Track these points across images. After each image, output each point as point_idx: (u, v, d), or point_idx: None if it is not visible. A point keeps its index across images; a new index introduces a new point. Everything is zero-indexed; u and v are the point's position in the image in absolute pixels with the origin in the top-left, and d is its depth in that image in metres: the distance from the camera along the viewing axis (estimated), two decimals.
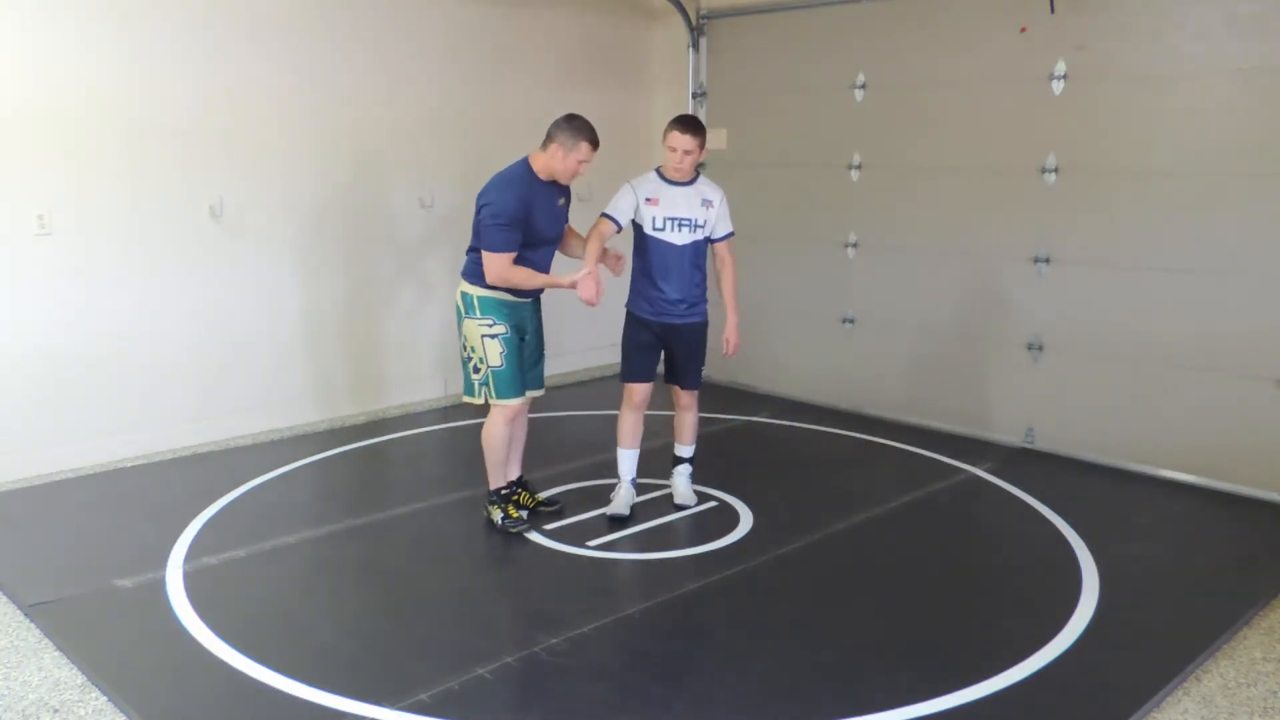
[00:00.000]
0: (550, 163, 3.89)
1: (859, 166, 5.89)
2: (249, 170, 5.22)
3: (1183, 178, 4.72)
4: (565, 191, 4.07)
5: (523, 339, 4.08)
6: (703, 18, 6.53)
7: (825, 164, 6.02)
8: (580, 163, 3.87)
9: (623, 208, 4.09)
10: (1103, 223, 4.98)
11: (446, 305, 6.18)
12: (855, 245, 5.98)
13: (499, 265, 3.83)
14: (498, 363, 3.96)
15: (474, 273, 3.96)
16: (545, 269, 4.02)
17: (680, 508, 4.36)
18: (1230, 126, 4.57)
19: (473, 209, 3.92)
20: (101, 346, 4.88)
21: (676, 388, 4.36)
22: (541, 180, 3.93)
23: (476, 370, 4.00)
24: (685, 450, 4.44)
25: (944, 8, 5.43)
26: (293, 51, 5.30)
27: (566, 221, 4.13)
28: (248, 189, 5.23)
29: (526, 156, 3.95)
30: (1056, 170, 5.09)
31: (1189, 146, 4.69)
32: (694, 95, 6.65)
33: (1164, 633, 3.36)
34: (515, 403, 4.02)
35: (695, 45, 6.59)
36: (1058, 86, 5.03)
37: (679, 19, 6.54)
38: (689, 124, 4.04)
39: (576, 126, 3.86)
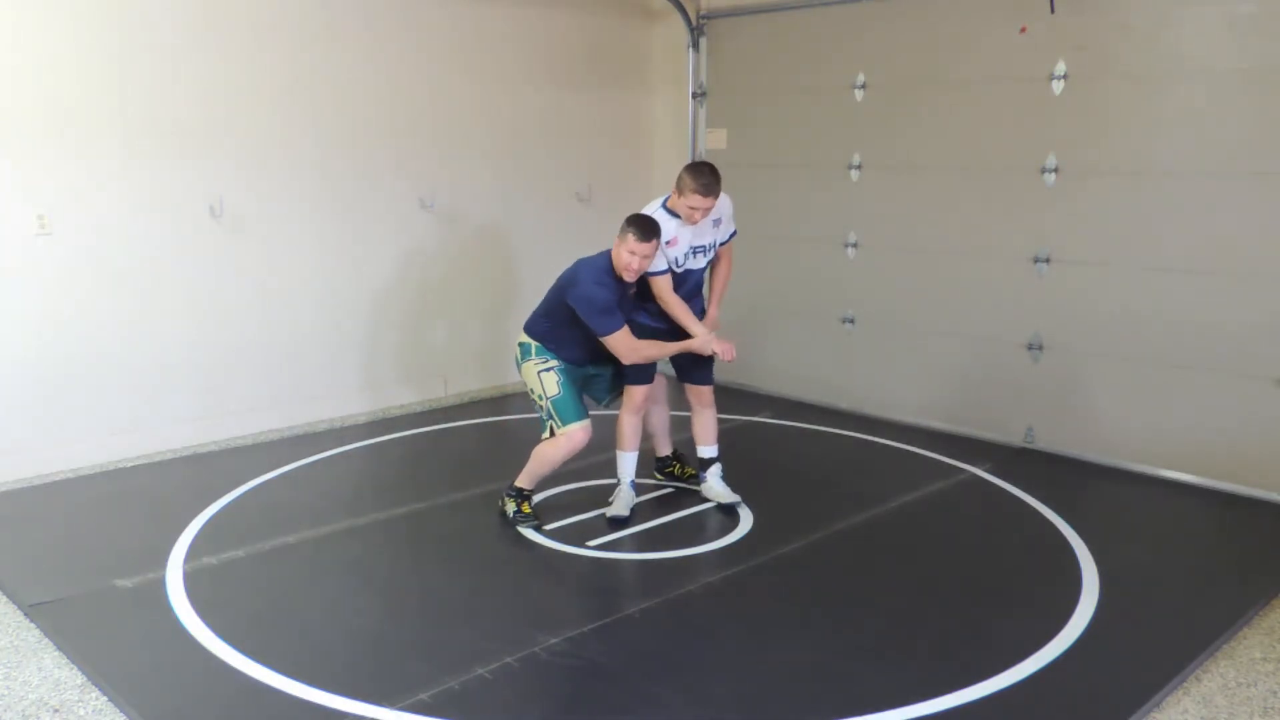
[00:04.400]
0: (615, 255, 3.98)
1: (859, 166, 5.89)
2: (249, 170, 5.22)
3: (1183, 178, 4.72)
4: (634, 283, 4.10)
5: (589, 371, 4.23)
6: (703, 18, 6.53)
7: (825, 164, 6.02)
8: (630, 253, 3.88)
9: (660, 257, 4.05)
10: (1103, 223, 4.98)
11: (446, 305, 6.19)
12: (855, 245, 5.98)
13: (623, 343, 3.96)
14: (555, 391, 4.04)
15: (534, 327, 4.14)
16: (605, 349, 4.10)
17: (728, 507, 4.35)
18: (1230, 126, 4.57)
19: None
20: (102, 346, 4.88)
21: (691, 386, 4.36)
22: (617, 274, 4.01)
23: (541, 407, 4.10)
24: (711, 450, 4.44)
25: (944, 8, 5.42)
26: (293, 51, 5.30)
27: (633, 308, 4.20)
28: (248, 188, 5.23)
29: (610, 250, 4.03)
30: (1056, 170, 5.09)
31: (1189, 146, 4.69)
32: (694, 95, 6.64)
33: (1164, 633, 3.36)
34: (577, 430, 4.03)
35: (695, 45, 6.58)
36: (1058, 86, 5.03)
37: (679, 19, 6.54)
38: (711, 187, 3.92)
39: (629, 218, 3.93)
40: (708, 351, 4.11)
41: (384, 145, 5.73)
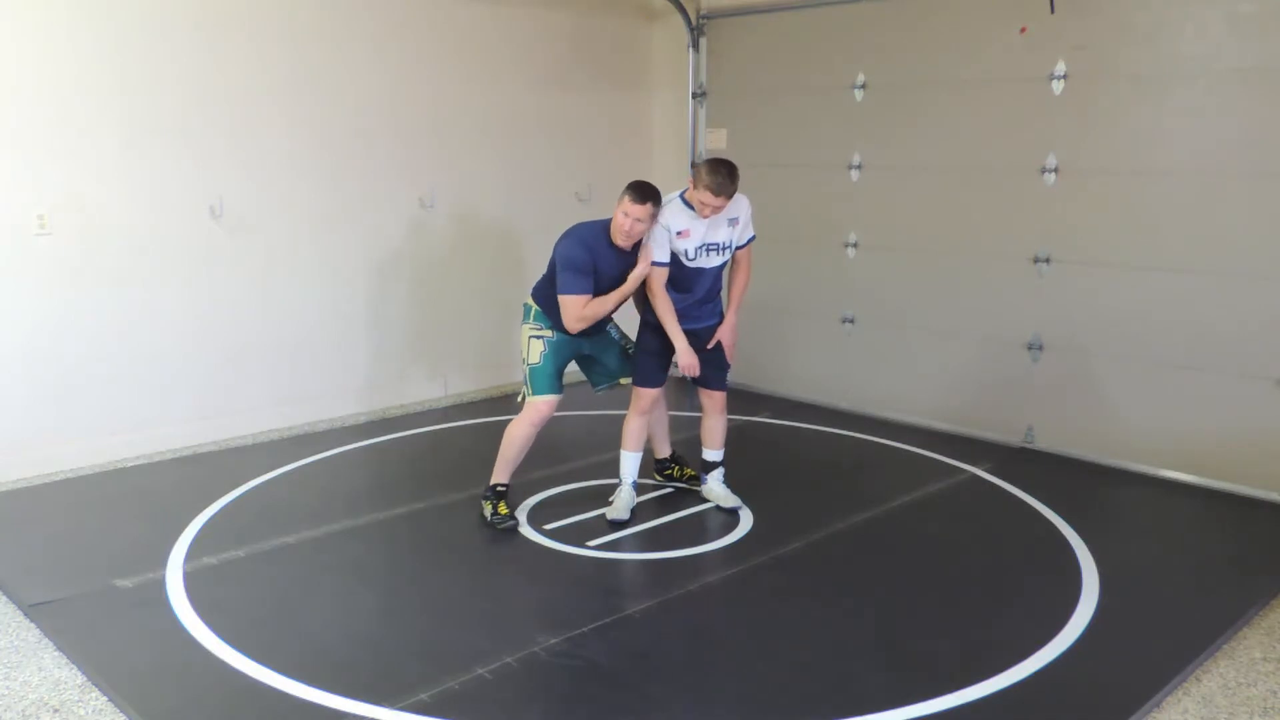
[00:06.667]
0: (613, 219, 4.00)
1: (859, 166, 5.89)
2: (249, 170, 5.22)
3: (1183, 178, 4.72)
4: (635, 256, 4.11)
5: (584, 351, 4.26)
6: (703, 18, 6.53)
7: (825, 164, 6.01)
8: (624, 214, 3.90)
9: (665, 247, 4.05)
10: (1103, 223, 4.98)
11: (445, 305, 6.19)
12: (855, 245, 5.98)
13: (573, 306, 3.97)
14: (535, 360, 4.10)
15: (540, 290, 4.17)
16: (603, 321, 4.16)
17: (730, 511, 4.34)
18: (1230, 126, 4.57)
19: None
20: (102, 346, 4.88)
21: (704, 390, 4.35)
22: (612, 242, 4.02)
23: (523, 370, 4.15)
24: (716, 454, 4.44)
25: (944, 8, 5.42)
26: (293, 51, 5.30)
27: (640, 321, 4.22)
28: (248, 189, 5.23)
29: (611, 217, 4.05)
30: (1056, 170, 5.09)
31: (1189, 146, 4.69)
32: (694, 95, 6.64)
33: (1164, 633, 3.36)
34: (542, 402, 4.08)
35: (695, 45, 6.58)
36: (1058, 86, 5.03)
37: (679, 19, 6.54)
38: (724, 186, 3.90)
39: (629, 184, 3.96)
40: (643, 274, 4.04)
41: (384, 145, 5.73)
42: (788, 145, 6.22)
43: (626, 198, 3.92)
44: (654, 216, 3.96)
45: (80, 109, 4.67)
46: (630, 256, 4.06)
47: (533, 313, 4.18)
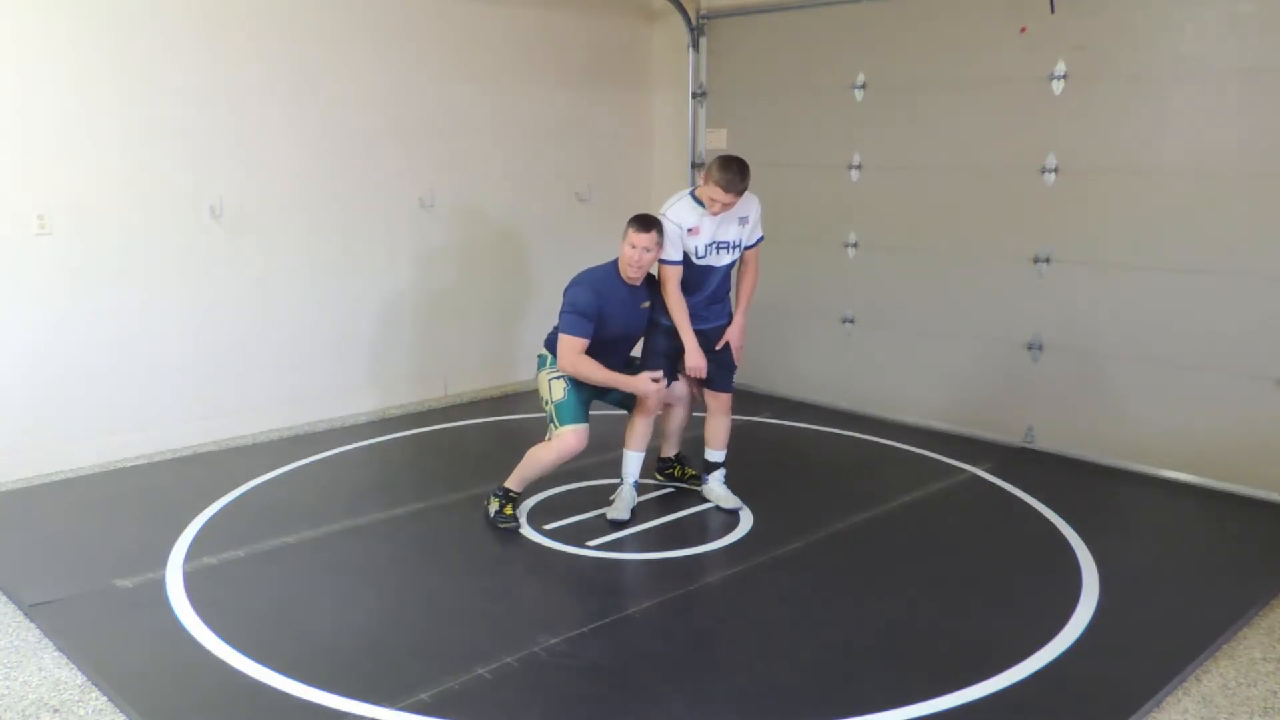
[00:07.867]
0: (620, 255, 4.02)
1: (859, 166, 5.89)
2: (249, 170, 5.22)
3: (1183, 178, 4.72)
4: (648, 294, 4.14)
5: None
6: (703, 18, 6.53)
7: (825, 164, 6.02)
8: (631, 246, 3.95)
9: (677, 245, 4.06)
10: (1103, 223, 4.98)
11: (446, 305, 6.19)
12: (855, 245, 5.98)
13: (568, 348, 3.98)
14: (560, 396, 4.07)
15: (551, 340, 4.17)
16: (617, 363, 4.13)
17: (731, 511, 4.34)
18: (1230, 126, 4.57)
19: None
20: (102, 346, 4.88)
21: (710, 391, 4.36)
22: (624, 282, 4.05)
23: (546, 411, 4.12)
24: (718, 455, 4.44)
25: (944, 8, 5.42)
26: (293, 51, 5.30)
27: (648, 322, 4.19)
28: (248, 189, 5.23)
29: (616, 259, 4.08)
30: (1056, 170, 5.09)
31: (1189, 146, 4.69)
32: (694, 95, 6.64)
33: (1164, 633, 3.36)
34: (568, 432, 4.01)
35: (695, 45, 6.58)
36: (1058, 86, 5.03)
37: (679, 19, 6.54)
38: (734, 183, 3.90)
39: (630, 218, 4.00)
40: (642, 393, 4.08)
41: (384, 145, 5.73)
42: (788, 145, 6.22)
43: (630, 230, 3.96)
44: (659, 244, 3.99)
45: (80, 109, 4.67)
46: (641, 294, 4.10)
47: (548, 361, 4.16)
